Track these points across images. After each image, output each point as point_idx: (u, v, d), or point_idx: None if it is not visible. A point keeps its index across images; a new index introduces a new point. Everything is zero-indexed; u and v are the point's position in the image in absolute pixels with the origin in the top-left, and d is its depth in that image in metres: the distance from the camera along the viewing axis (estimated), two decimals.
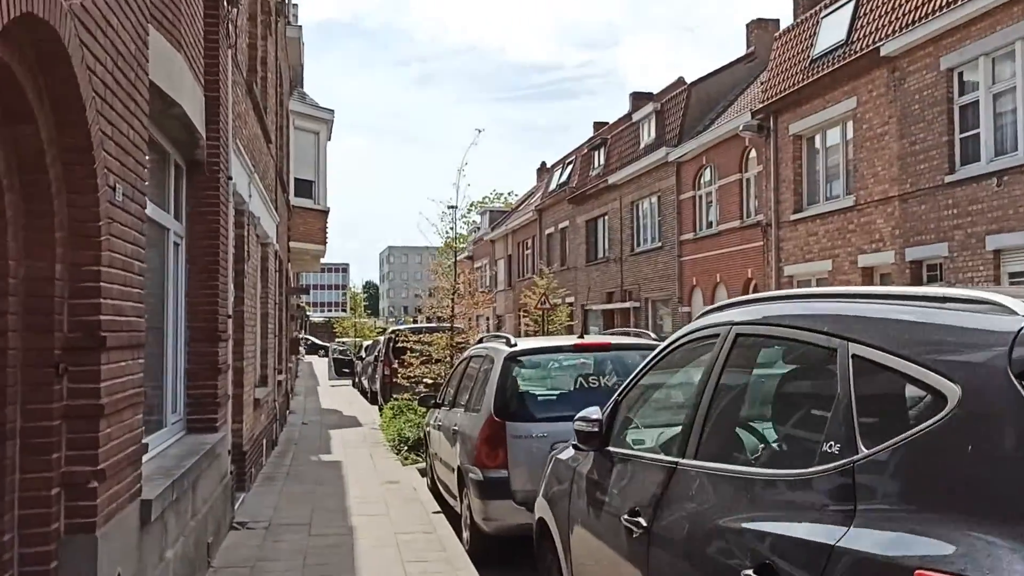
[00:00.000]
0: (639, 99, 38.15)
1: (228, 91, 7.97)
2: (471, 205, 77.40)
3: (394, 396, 18.10)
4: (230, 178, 8.11)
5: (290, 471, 11.49)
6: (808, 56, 21.09)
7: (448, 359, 14.80)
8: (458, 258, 62.99)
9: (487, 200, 70.77)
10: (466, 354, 9.09)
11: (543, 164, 60.39)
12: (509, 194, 72.27)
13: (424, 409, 10.55)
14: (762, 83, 24.93)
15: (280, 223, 15.65)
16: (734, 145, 24.56)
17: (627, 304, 32.38)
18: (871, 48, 18.16)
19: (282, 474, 11.21)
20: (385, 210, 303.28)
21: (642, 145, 31.47)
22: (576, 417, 4.22)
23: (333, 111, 22.02)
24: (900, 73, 17.54)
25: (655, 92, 36.86)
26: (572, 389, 6.98)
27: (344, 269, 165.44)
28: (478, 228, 69.18)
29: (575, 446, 4.32)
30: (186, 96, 5.75)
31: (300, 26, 20.34)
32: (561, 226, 40.74)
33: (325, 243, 21.91)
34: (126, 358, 4.15)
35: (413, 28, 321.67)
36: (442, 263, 16.90)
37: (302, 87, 22.74)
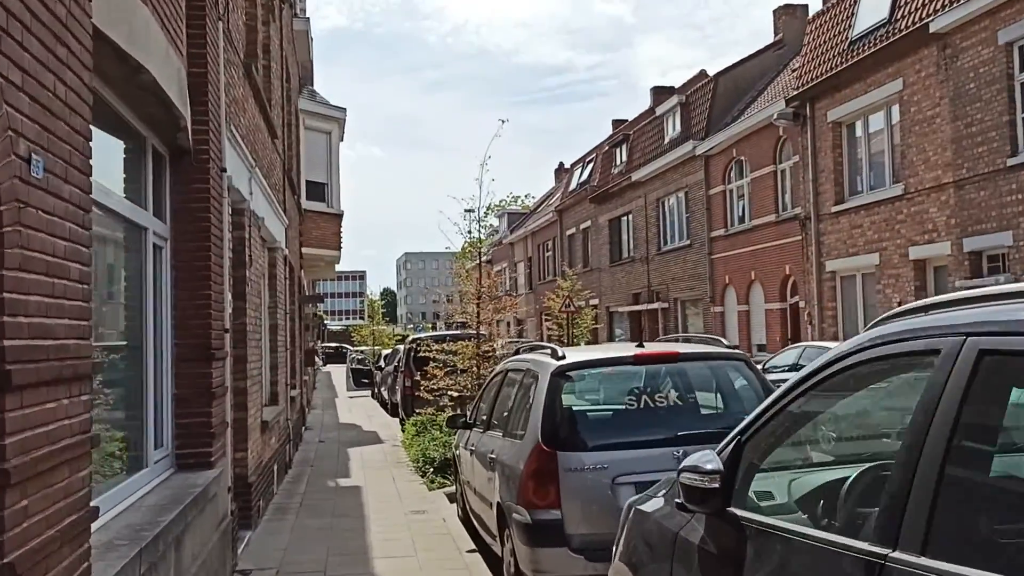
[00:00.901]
0: (660, 93, 36.92)
1: (219, 69, 6.85)
2: (488, 208, 76.53)
3: (416, 410, 16.96)
4: (224, 170, 6.98)
5: (304, 500, 10.36)
6: (846, 38, 19.82)
7: (474, 369, 13.64)
8: (474, 264, 61.99)
9: (504, 203, 69.54)
10: (500, 368, 7.90)
11: (561, 164, 59.22)
12: (526, 196, 71.03)
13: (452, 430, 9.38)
14: (795, 70, 23.65)
15: (290, 227, 14.55)
16: (767, 135, 23.29)
17: (655, 305, 31.13)
18: (918, 25, 16.87)
19: (295, 504, 10.08)
20: (401, 217, 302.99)
21: (667, 140, 30.23)
22: (682, 467, 3.05)
23: (345, 110, 20.94)
24: (952, 50, 16.24)
25: (676, 86, 35.60)
26: (634, 409, 5.79)
27: (361, 276, 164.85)
28: (496, 231, 68.03)
29: (679, 505, 3.12)
30: (155, 60, 4.62)
31: (308, 18, 19.29)
32: (583, 226, 39.53)
33: (340, 248, 20.81)
34: (57, 397, 3.00)
35: (423, 34, 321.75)
36: (464, 265, 15.74)
37: (312, 85, 21.70)
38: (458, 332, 15.94)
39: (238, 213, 8.35)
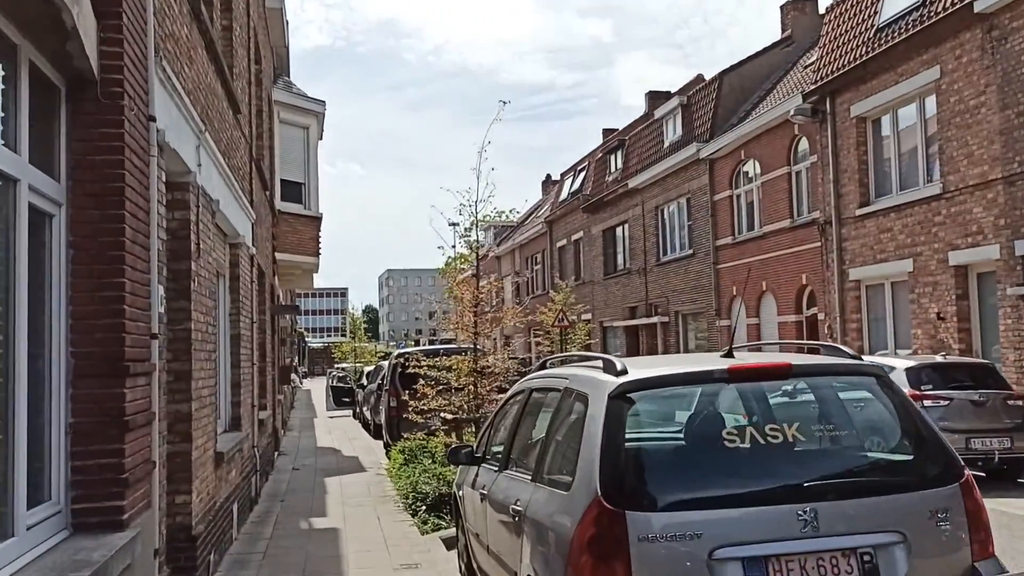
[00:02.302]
0: (656, 98, 35.38)
1: None
2: (466, 229, 74.16)
3: (403, 434, 15.07)
4: (152, 118, 5.13)
5: (269, 549, 8.44)
6: (871, 25, 18.23)
7: (471, 388, 11.79)
8: (461, 277, 60.39)
9: (488, 218, 67.74)
10: (521, 387, 6.02)
11: (548, 177, 57.57)
12: (511, 211, 69.11)
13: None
14: (809, 64, 22.10)
15: (259, 224, 12.69)
16: (780, 134, 21.66)
17: (653, 319, 29.38)
18: (960, 5, 15.28)
19: (257, 557, 8.15)
20: (383, 235, 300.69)
21: (667, 143, 28.59)
22: None
23: (324, 103, 19.11)
24: (1000, 32, 14.65)
25: (673, 91, 34.00)
26: (735, 447, 3.95)
27: (343, 293, 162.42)
28: (482, 245, 65.98)
29: None
30: None
31: None
32: (574, 237, 37.80)
33: (318, 255, 18.93)
34: None
35: (405, 52, 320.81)
36: (454, 272, 13.87)
37: (288, 76, 19.88)
38: (452, 346, 14.08)
39: (180, 187, 6.49)
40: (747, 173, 23.86)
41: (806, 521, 3.74)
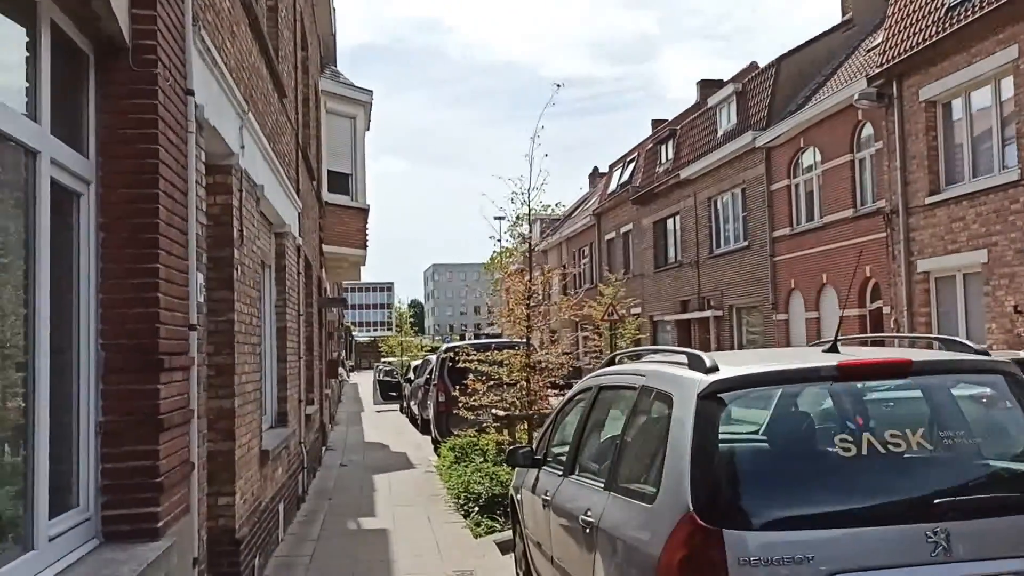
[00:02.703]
0: (708, 87, 34.53)
1: None
2: (518, 217, 73.46)
3: (452, 429, 14.68)
4: (190, 92, 4.73)
5: (316, 553, 8.07)
6: (942, 4, 17.33)
7: (524, 383, 11.32)
8: (512, 269, 60.20)
9: (535, 212, 67.02)
10: (587, 383, 5.51)
11: (595, 169, 56.84)
12: (556, 205, 68.27)
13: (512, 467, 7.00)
14: (873, 47, 21.20)
15: (305, 215, 12.36)
16: (843, 121, 20.80)
17: (706, 313, 28.63)
18: None
19: (303, 560, 7.78)
20: (428, 230, 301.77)
21: (720, 132, 27.80)
22: None
23: (371, 92, 18.76)
24: None
25: (724, 79, 33.11)
26: (849, 456, 3.41)
27: (389, 288, 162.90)
28: (527, 239, 65.19)
29: None
30: None
31: None
32: (623, 230, 37.12)
33: (366, 247, 18.60)
34: None
35: (448, 48, 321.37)
36: (503, 263, 13.36)
37: (335, 65, 19.56)
38: (504, 340, 13.61)
39: (221, 170, 6.11)
40: (806, 161, 23.01)
41: (936, 544, 3.20)
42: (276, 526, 8.24)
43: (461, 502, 9.66)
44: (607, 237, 39.24)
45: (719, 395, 3.61)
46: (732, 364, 3.81)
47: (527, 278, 11.66)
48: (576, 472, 5.04)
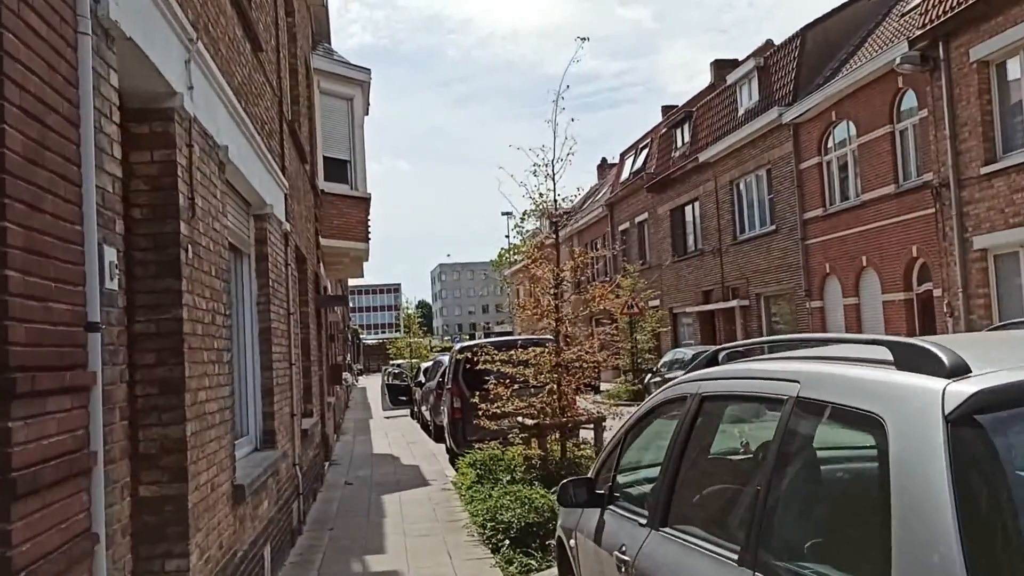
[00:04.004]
0: (723, 67, 32.82)
1: None
2: (524, 213, 71.76)
3: (469, 438, 13.08)
4: None
5: None
6: None
7: (555, 386, 9.73)
8: (513, 269, 58.69)
9: (541, 207, 65.03)
10: (677, 393, 3.80)
11: (603, 160, 55.11)
12: (564, 200, 66.66)
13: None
14: (914, 6, 19.50)
15: (297, 200, 10.80)
16: (881, 89, 19.15)
17: (731, 303, 26.99)
18: None
19: None
20: (434, 229, 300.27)
21: (741, 111, 26.17)
22: None
23: (369, 71, 17.15)
24: None
25: (740, 59, 31.40)
26: None
27: (395, 289, 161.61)
28: (535, 234, 63.49)
29: None
30: None
31: None
32: (638, 219, 35.50)
33: (368, 240, 17.02)
34: None
35: (449, 48, 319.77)
36: (527, 248, 11.72)
37: (329, 43, 17.96)
38: (530, 337, 12.00)
39: (158, 115, 4.53)
40: (839, 136, 21.35)
41: None
42: (261, 575, 6.65)
43: (487, 532, 8.06)
44: (621, 227, 37.60)
45: (983, 415, 1.99)
46: (984, 360, 2.20)
47: (555, 264, 10.09)
48: (672, 524, 3.43)
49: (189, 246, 4.76)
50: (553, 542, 7.38)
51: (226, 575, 5.32)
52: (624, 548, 3.78)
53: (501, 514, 7.98)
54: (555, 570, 5.88)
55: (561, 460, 9.51)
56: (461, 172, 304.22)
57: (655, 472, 3.99)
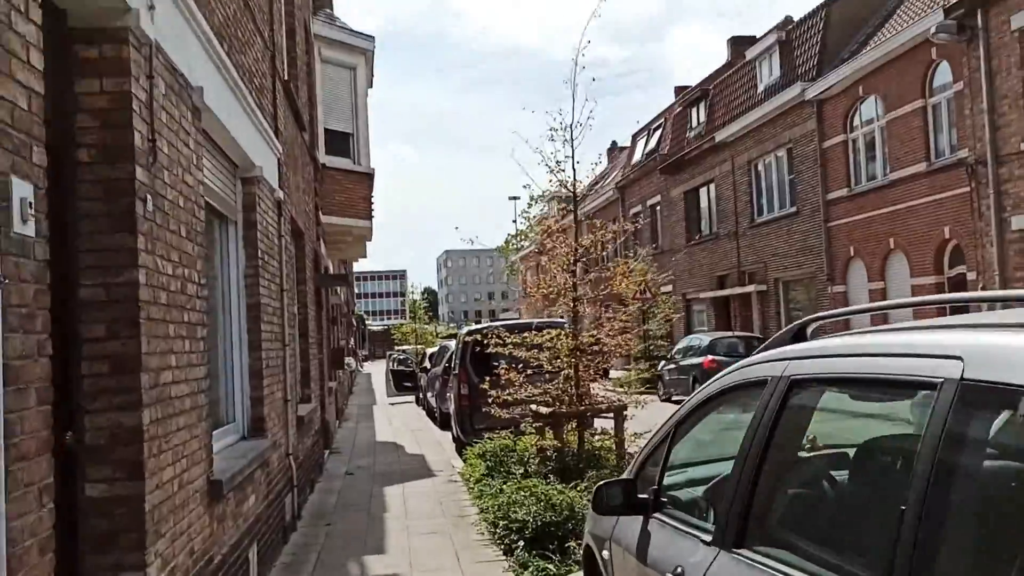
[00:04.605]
0: (740, 44, 31.80)
1: None
2: (532, 199, 70.64)
3: (477, 427, 12.32)
4: None
5: None
6: None
7: (573, 371, 8.93)
8: (521, 254, 58.07)
9: (547, 193, 63.79)
10: (751, 375, 2.99)
11: (613, 144, 54.03)
12: (571, 184, 65.49)
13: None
14: None
15: (293, 169, 10.00)
16: (912, 62, 18.19)
17: (748, 288, 26.10)
18: None
19: None
20: (439, 216, 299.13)
21: (761, 88, 25.22)
22: None
23: (373, 39, 16.27)
24: None
25: (757, 36, 30.37)
26: None
27: (401, 276, 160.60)
28: (544, 219, 62.20)
29: None
30: None
31: None
32: (650, 203, 34.58)
33: (371, 217, 16.19)
34: None
35: (456, 34, 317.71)
36: (542, 226, 10.91)
37: (331, 9, 17.10)
38: (546, 320, 11.16)
39: (108, 36, 3.72)
40: (867, 113, 20.41)
41: None
42: None
43: (500, 532, 7.26)
44: (632, 211, 36.65)
45: None
46: None
47: (574, 235, 9.29)
48: (752, 545, 2.62)
49: (148, 197, 3.95)
50: (573, 544, 6.60)
51: None
52: (681, 571, 2.97)
53: (515, 511, 7.18)
54: None
55: (579, 452, 8.71)
56: (468, 158, 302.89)
57: (720, 474, 3.19)
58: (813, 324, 2.97)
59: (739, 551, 2.67)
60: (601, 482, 3.73)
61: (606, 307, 12.22)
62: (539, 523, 6.85)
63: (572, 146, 9.52)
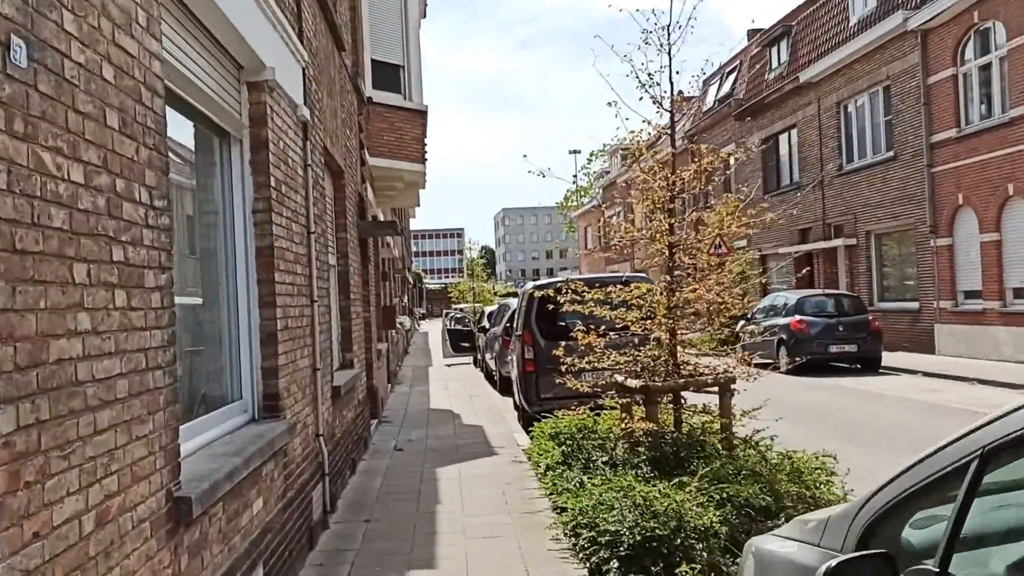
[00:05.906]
0: None
1: None
2: (592, 154, 67.86)
3: (543, 396, 10.71)
4: None
5: None
6: None
7: (668, 337, 7.18)
8: (583, 210, 56.69)
9: (607, 147, 61.10)
10: None
11: (680, 93, 51.34)
12: (633, 136, 62.75)
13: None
14: None
15: (327, 91, 8.36)
16: None
17: (835, 242, 23.91)
18: None
19: None
20: (495, 177, 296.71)
21: (854, 20, 22.79)
22: None
23: None
24: None
25: None
26: None
27: (459, 234, 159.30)
28: (605, 174, 60.09)
29: None
30: None
31: None
32: (724, 151, 32.19)
33: (424, 160, 14.53)
34: None
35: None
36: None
37: None
38: (634, 274, 9.44)
39: None
40: (981, 44, 17.97)
41: None
42: None
43: (583, 543, 5.60)
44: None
45: None
46: None
47: (672, 168, 7.52)
48: None
49: (21, 43, 2.29)
50: (685, 569, 4.92)
51: None
52: None
53: (603, 517, 5.50)
54: None
55: (677, 436, 6.99)
56: (523, 116, 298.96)
57: None
58: None
59: None
60: (837, 560, 2.00)
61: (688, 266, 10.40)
62: (638, 536, 5.16)
63: (669, 53, 7.70)
